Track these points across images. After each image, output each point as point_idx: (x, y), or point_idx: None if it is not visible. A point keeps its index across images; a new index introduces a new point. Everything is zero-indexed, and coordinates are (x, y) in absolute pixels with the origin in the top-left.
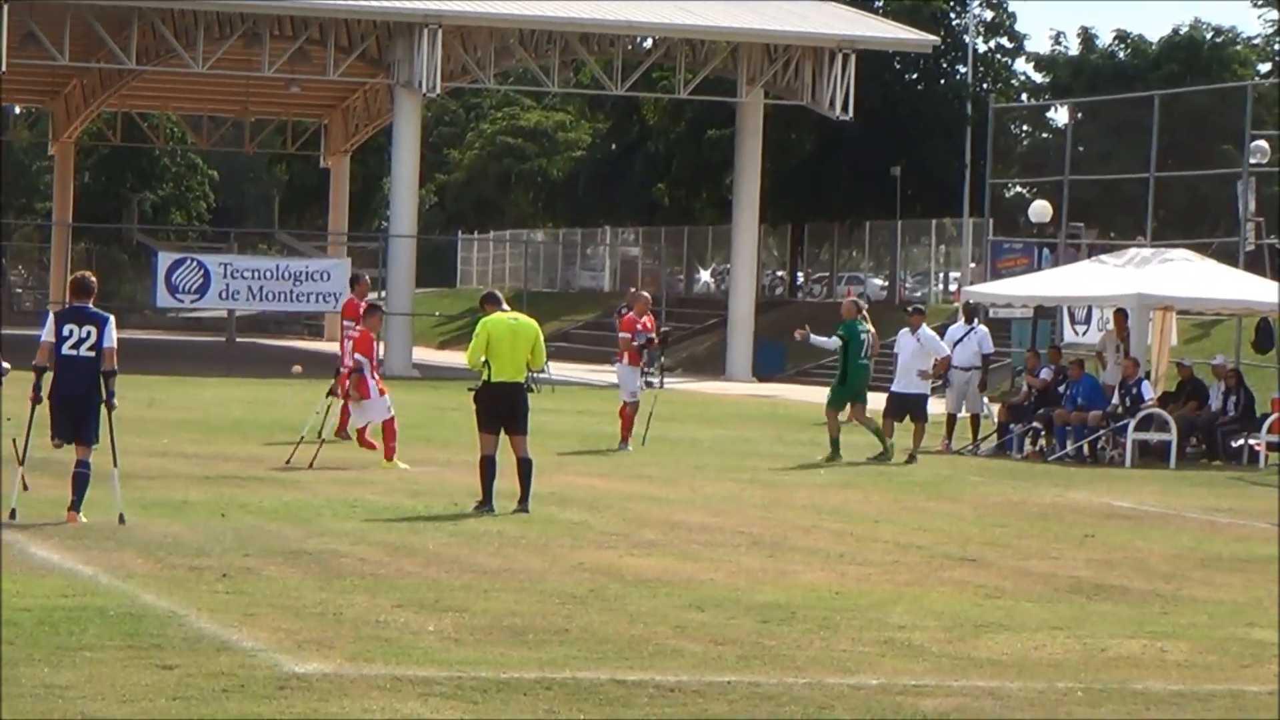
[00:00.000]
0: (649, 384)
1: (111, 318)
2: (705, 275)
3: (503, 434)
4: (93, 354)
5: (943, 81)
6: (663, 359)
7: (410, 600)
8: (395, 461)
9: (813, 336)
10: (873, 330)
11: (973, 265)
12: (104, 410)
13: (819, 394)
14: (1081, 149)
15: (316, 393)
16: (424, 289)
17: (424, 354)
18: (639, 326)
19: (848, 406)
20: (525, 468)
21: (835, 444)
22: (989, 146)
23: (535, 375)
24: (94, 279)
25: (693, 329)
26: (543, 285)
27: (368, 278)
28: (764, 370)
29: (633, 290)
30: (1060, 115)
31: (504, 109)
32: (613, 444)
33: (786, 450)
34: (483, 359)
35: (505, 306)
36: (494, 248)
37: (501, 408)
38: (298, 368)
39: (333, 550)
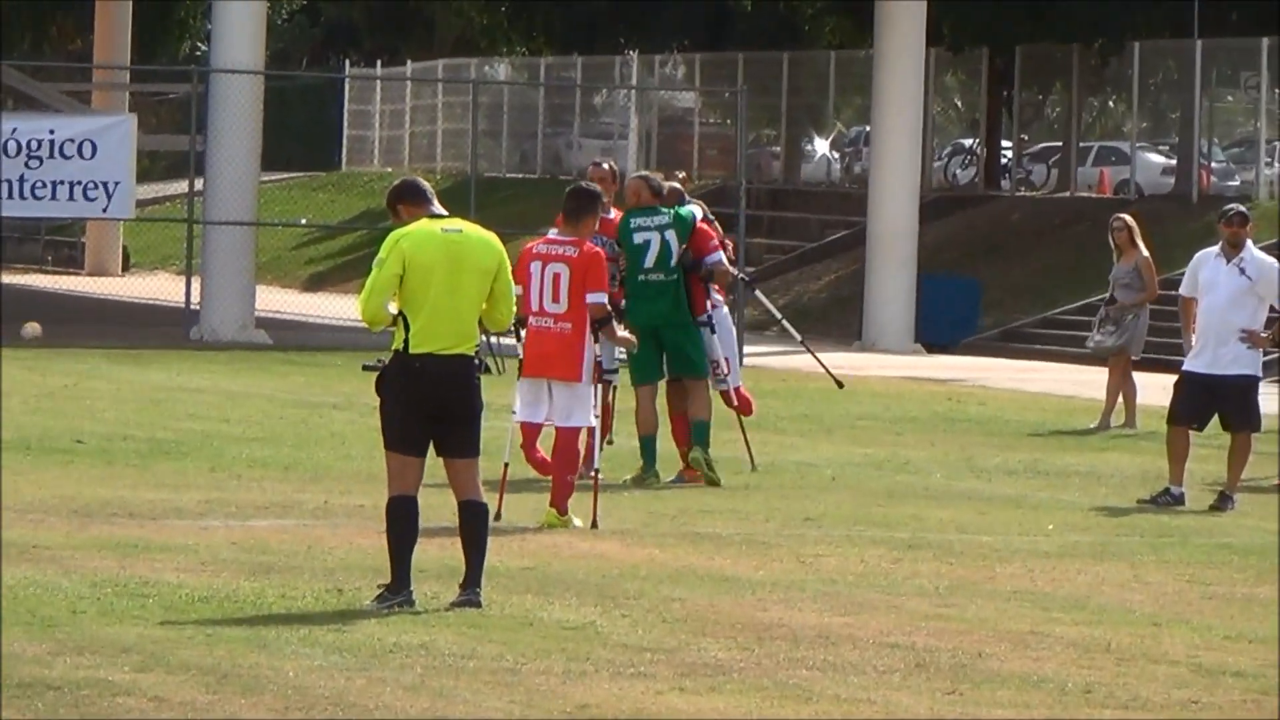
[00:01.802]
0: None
1: None
2: (823, 148)
3: (433, 454)
4: None
5: None
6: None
7: None
8: (570, 515)
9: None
10: (1146, 254)
11: None
12: None
13: (1051, 375)
14: None
15: (69, 371)
16: (281, 174)
17: (280, 299)
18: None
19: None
20: (475, 519)
21: (648, 446)
22: None
23: (494, 341)
24: None
25: (800, 250)
26: (509, 168)
27: (609, 164)
28: (938, 332)
29: (676, 174)
30: None
31: None
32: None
33: (982, 486)
34: (394, 309)
35: (438, 209)
36: (414, 95)
37: (429, 403)
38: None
39: (103, 681)
